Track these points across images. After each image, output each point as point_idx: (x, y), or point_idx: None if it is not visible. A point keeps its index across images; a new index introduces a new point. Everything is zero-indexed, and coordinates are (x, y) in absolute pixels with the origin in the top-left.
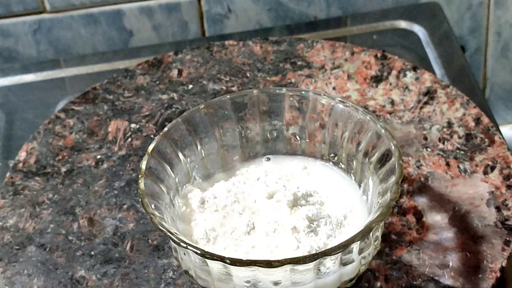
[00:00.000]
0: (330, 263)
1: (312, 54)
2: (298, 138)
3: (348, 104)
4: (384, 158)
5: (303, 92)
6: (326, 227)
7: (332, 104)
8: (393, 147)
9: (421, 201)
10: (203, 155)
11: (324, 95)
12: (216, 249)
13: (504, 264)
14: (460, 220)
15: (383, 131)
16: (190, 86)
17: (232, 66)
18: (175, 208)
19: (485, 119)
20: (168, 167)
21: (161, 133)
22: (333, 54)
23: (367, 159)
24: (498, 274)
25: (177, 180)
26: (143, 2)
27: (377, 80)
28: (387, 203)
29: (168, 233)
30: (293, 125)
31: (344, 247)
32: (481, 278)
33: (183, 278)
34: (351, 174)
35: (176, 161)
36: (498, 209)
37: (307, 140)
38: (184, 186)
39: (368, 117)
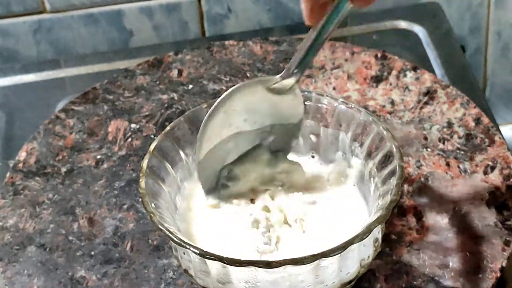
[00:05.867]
0: (330, 264)
1: None
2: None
3: (350, 106)
4: (386, 160)
5: (306, 93)
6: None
7: (335, 105)
8: (394, 149)
9: (421, 201)
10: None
11: (327, 96)
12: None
13: (504, 264)
14: (460, 220)
15: (385, 132)
16: (190, 86)
17: (232, 66)
18: (176, 207)
19: (485, 119)
20: (170, 166)
21: (163, 132)
22: (333, 54)
23: (369, 160)
24: (498, 274)
25: (178, 179)
26: (143, 2)
27: (377, 80)
28: (387, 205)
29: (168, 232)
30: None
31: (343, 248)
32: (481, 278)
33: (183, 278)
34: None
35: (177, 159)
36: (498, 209)
37: None
38: (186, 185)
39: (370, 119)
